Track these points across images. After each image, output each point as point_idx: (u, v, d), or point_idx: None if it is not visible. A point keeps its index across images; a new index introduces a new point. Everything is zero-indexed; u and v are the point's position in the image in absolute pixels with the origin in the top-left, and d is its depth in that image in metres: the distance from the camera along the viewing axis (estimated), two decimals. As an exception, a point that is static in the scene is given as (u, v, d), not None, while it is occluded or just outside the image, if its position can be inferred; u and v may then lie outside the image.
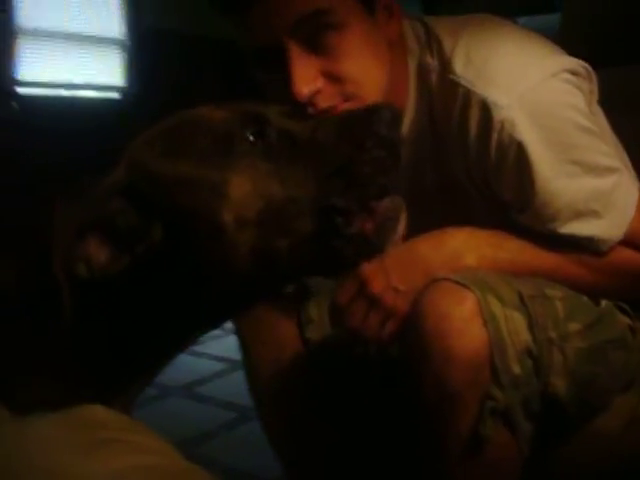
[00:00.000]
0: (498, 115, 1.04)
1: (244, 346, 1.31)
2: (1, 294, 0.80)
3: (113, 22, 3.84)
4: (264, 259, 0.79)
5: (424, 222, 1.10)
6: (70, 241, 0.75)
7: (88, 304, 0.77)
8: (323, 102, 1.03)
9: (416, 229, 1.10)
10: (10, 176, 3.02)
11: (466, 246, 1.08)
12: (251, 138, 0.80)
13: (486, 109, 1.05)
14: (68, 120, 3.38)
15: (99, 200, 0.78)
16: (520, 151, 1.04)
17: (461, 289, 0.98)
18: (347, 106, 1.04)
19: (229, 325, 1.32)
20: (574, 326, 1.04)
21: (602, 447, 1.09)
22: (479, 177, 1.11)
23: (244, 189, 0.78)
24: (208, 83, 3.78)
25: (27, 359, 0.77)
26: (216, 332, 2.15)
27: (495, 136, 1.05)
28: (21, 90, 3.49)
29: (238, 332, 1.31)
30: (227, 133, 0.80)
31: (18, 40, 3.47)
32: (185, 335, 0.86)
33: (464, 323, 0.96)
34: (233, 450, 1.90)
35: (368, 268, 1.08)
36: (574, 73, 1.08)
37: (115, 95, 3.84)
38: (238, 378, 1.52)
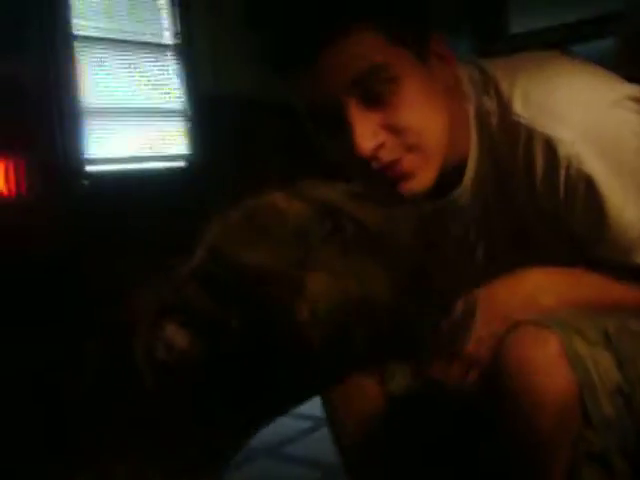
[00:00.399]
0: (564, 151, 1.03)
1: (328, 402, 1.31)
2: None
3: (173, 92, 3.96)
4: (338, 349, 0.78)
5: (496, 269, 1.09)
6: (150, 323, 0.76)
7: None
8: (387, 155, 1.03)
9: (489, 276, 1.09)
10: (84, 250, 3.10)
11: (543, 286, 1.06)
12: (328, 231, 0.79)
13: (551, 146, 1.04)
14: (136, 192, 3.47)
15: (178, 284, 0.79)
16: (589, 185, 1.03)
17: (543, 330, 0.97)
18: (410, 157, 1.04)
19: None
20: None
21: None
22: (549, 216, 1.10)
23: (320, 286, 0.77)
24: (269, 147, 3.84)
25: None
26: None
27: (562, 172, 1.04)
28: (90, 168, 3.60)
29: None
30: (305, 227, 0.79)
31: (84, 119, 3.59)
32: (260, 417, 0.85)
33: (549, 365, 0.94)
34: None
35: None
36: (635, 99, 1.07)
37: (180, 164, 3.94)
38: (323, 435, 1.52)
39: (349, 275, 0.77)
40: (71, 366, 0.85)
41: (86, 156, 3.59)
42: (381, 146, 1.03)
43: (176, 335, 0.76)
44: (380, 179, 1.09)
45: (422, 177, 1.07)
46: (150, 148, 3.85)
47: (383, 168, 1.05)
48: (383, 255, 0.79)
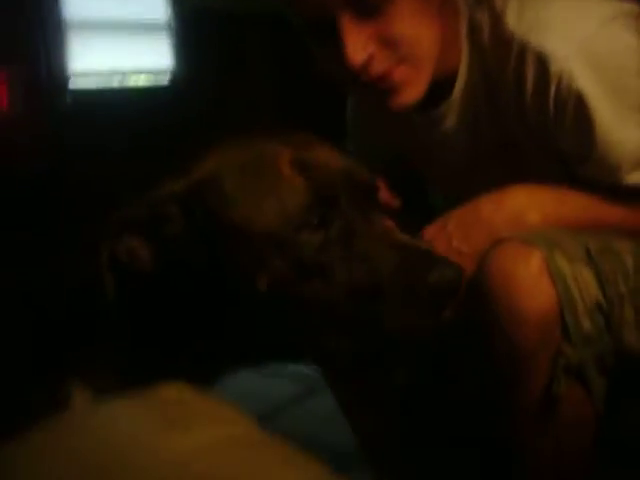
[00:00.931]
0: (556, 67, 1.02)
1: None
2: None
3: (157, 5, 3.86)
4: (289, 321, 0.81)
5: (484, 183, 1.09)
6: (118, 231, 0.80)
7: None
8: (377, 67, 1.02)
9: (476, 190, 1.09)
10: (67, 167, 3.07)
11: (528, 204, 1.06)
12: (314, 223, 0.80)
13: (543, 61, 1.03)
14: (120, 107, 3.42)
15: (154, 202, 0.82)
16: (580, 102, 1.02)
17: (526, 247, 0.97)
18: (401, 69, 1.03)
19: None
20: None
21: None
22: (538, 131, 1.09)
23: (285, 269, 0.79)
24: (256, 62, 3.77)
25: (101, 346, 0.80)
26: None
27: (553, 88, 1.03)
28: (73, 82, 3.54)
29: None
30: (295, 208, 0.80)
31: (67, 33, 3.51)
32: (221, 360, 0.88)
33: (531, 281, 0.95)
34: (304, 423, 1.92)
35: (430, 232, 1.07)
36: (631, 17, 1.05)
37: (164, 79, 3.87)
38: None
39: (316, 270, 0.80)
40: (53, 282, 0.87)
41: (70, 71, 3.52)
42: (372, 58, 1.01)
43: (141, 247, 0.81)
44: (371, 92, 1.08)
45: (412, 89, 1.06)
46: (134, 63, 3.78)
47: (374, 80, 1.04)
48: (355, 267, 0.81)
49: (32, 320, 0.85)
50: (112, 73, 3.72)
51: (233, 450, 0.57)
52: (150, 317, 0.83)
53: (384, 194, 1.21)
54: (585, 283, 0.97)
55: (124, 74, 3.75)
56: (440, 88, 1.13)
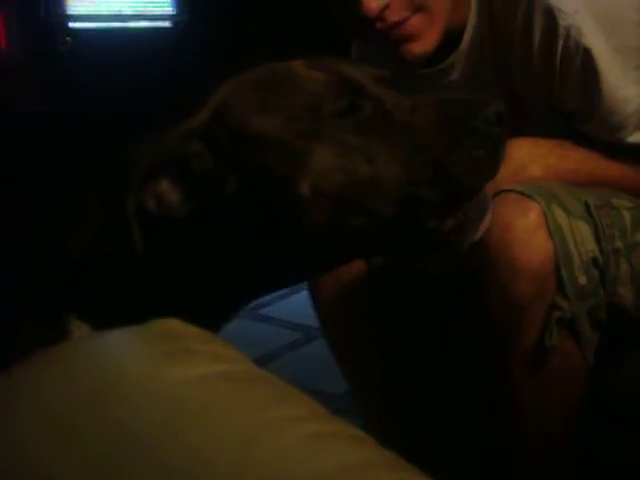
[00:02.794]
0: (564, 21, 1.01)
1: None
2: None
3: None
4: (336, 233, 0.76)
5: None
6: (144, 177, 0.73)
7: (155, 243, 0.76)
8: (393, 15, 1.01)
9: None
10: (69, 110, 3.05)
11: (530, 157, 1.06)
12: (344, 108, 0.75)
13: (551, 16, 1.02)
14: (120, 51, 3.39)
15: (178, 141, 0.76)
16: (587, 58, 1.02)
17: (525, 200, 0.98)
18: (417, 18, 1.02)
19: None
20: None
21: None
22: (543, 86, 1.09)
23: (327, 162, 0.74)
24: (257, 5, 3.72)
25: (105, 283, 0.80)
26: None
27: (561, 43, 1.02)
28: (73, 24, 3.50)
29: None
30: (320, 99, 0.75)
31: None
32: (250, 291, 0.84)
33: (529, 233, 0.96)
34: (298, 369, 1.94)
35: None
36: None
37: (166, 24, 3.83)
38: (302, 299, 1.54)
39: (360, 157, 0.74)
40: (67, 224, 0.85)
41: (69, 12, 3.48)
42: (387, 6, 1.00)
43: (170, 191, 0.75)
44: (384, 41, 1.07)
45: (425, 39, 1.05)
46: (135, 6, 3.73)
47: (388, 28, 1.03)
48: (401, 141, 0.75)
49: (33, 257, 0.85)
50: (113, 17, 3.67)
51: (227, 385, 0.57)
52: (173, 264, 0.78)
53: None
54: (582, 237, 0.98)
55: (124, 17, 3.71)
56: (448, 41, 1.12)
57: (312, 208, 0.74)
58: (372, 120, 0.76)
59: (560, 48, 1.03)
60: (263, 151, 0.76)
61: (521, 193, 0.98)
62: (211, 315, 0.79)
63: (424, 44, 1.06)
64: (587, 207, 1.00)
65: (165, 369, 0.58)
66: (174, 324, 0.66)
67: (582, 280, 0.97)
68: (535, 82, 1.09)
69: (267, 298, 2.51)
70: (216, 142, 0.77)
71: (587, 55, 1.01)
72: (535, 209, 0.97)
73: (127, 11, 3.72)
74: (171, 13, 3.82)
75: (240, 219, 0.77)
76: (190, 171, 0.75)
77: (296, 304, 2.33)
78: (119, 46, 3.48)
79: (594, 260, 0.98)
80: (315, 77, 0.77)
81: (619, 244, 1.00)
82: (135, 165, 0.74)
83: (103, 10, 3.62)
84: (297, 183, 0.74)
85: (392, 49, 1.07)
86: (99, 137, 2.97)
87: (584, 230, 0.98)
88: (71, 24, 3.49)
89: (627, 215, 1.03)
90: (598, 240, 0.99)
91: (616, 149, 1.07)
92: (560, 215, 0.97)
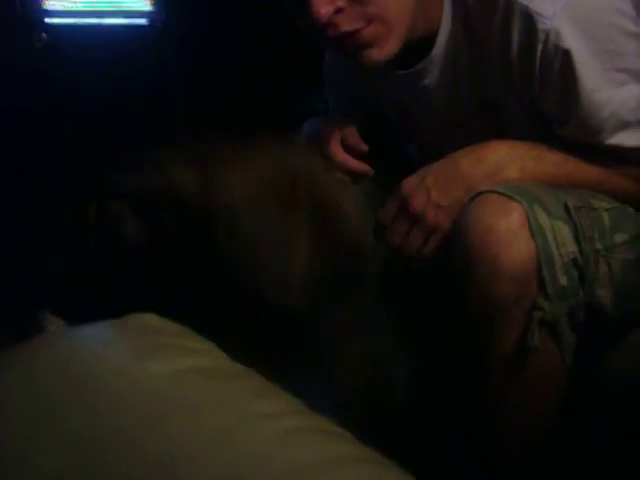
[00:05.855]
0: (543, 25, 1.01)
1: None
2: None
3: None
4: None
5: (464, 143, 1.08)
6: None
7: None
8: (345, 24, 1.00)
9: (455, 146, 1.09)
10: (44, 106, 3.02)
11: (508, 158, 1.06)
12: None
13: (529, 20, 1.02)
14: (96, 48, 3.37)
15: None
16: (566, 61, 1.02)
17: (507, 200, 0.97)
18: (372, 28, 1.01)
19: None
20: (620, 237, 1.03)
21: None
22: (522, 91, 1.09)
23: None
24: (235, 7, 3.71)
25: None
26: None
27: (540, 47, 1.02)
28: (49, 20, 3.47)
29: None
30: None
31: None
32: None
33: (511, 235, 0.95)
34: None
35: (408, 185, 1.07)
36: None
37: (143, 21, 3.81)
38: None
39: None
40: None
41: (45, 7, 3.45)
42: (340, 11, 0.99)
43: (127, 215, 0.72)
44: (339, 48, 1.06)
45: (382, 47, 1.04)
46: (112, 3, 3.71)
47: (341, 37, 1.02)
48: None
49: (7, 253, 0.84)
50: (89, 13, 3.65)
51: (205, 379, 0.57)
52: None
53: (352, 139, 1.21)
54: (563, 238, 0.97)
55: (101, 14, 3.68)
56: (423, 44, 1.12)
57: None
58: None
59: (539, 52, 1.03)
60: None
61: (502, 194, 0.98)
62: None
63: (381, 52, 1.05)
64: (566, 208, 1.00)
65: (143, 363, 0.57)
66: (151, 319, 0.65)
67: (563, 281, 0.96)
68: (513, 87, 1.09)
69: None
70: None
71: (566, 58, 1.02)
72: (517, 210, 0.97)
73: (104, 7, 3.70)
74: (148, 10, 3.80)
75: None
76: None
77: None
78: (95, 42, 3.46)
79: (574, 261, 0.98)
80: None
81: (598, 245, 1.00)
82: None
83: (79, 6, 3.60)
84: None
85: (347, 56, 1.07)
86: (73, 134, 2.94)
87: (564, 231, 0.98)
88: (47, 20, 3.46)
89: (606, 216, 1.03)
90: (578, 241, 0.98)
91: (594, 152, 1.07)
92: (542, 216, 0.97)
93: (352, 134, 1.21)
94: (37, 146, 2.82)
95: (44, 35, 3.41)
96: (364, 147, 1.21)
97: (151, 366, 0.57)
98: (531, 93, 1.08)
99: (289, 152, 0.78)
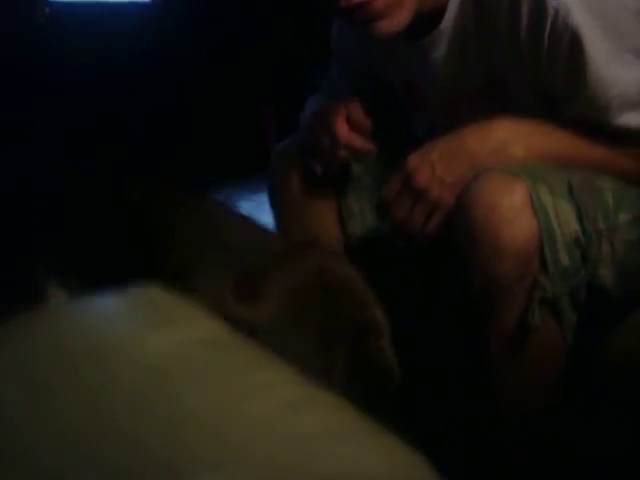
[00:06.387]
0: (552, 1, 1.00)
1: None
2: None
3: None
4: None
5: (470, 120, 1.08)
6: None
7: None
8: None
9: (461, 122, 1.09)
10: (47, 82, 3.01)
11: (513, 136, 1.06)
12: None
13: None
14: (98, 23, 3.35)
15: None
16: (574, 38, 1.01)
17: (512, 179, 0.97)
18: (382, 1, 1.01)
19: (268, 225, 1.32)
20: (623, 217, 1.02)
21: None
22: (529, 67, 1.08)
23: None
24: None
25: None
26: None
27: (549, 23, 1.01)
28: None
29: (278, 227, 1.32)
30: None
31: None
32: None
33: (514, 213, 0.95)
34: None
35: (413, 161, 1.07)
36: None
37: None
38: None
39: None
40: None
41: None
42: None
43: None
44: (351, 20, 1.06)
45: (393, 19, 1.04)
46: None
47: (353, 8, 1.01)
48: None
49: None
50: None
51: (205, 351, 0.57)
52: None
53: (357, 116, 1.20)
54: (565, 217, 0.97)
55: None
56: (432, 17, 1.11)
57: None
58: None
59: (548, 28, 1.02)
60: None
61: (506, 172, 0.98)
62: None
63: (392, 23, 1.04)
64: (570, 187, 1.00)
65: (144, 335, 0.57)
66: (153, 291, 0.65)
67: (565, 260, 0.96)
68: (521, 63, 1.09)
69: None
70: None
71: (575, 35, 1.01)
72: (521, 188, 0.96)
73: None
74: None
75: None
76: None
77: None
78: (98, 17, 3.45)
79: (577, 240, 0.97)
80: None
81: (601, 225, 1.00)
82: None
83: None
84: None
85: (358, 27, 1.06)
86: (75, 109, 2.93)
87: (567, 210, 0.98)
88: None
89: (610, 196, 1.02)
90: (581, 221, 0.98)
91: (600, 132, 1.06)
92: (545, 195, 0.97)
93: (357, 111, 1.20)
94: (40, 118, 2.82)
95: (47, 10, 3.39)
96: (368, 124, 1.20)
97: (152, 339, 0.57)
98: (538, 70, 1.07)
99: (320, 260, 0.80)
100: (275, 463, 0.48)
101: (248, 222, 0.89)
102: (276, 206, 1.33)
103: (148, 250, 0.78)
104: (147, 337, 0.56)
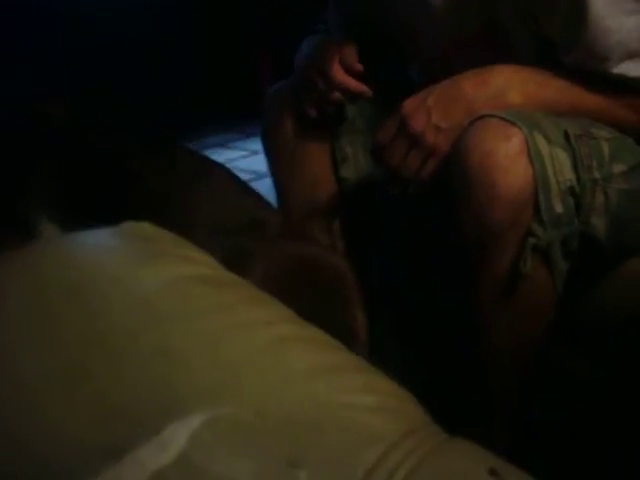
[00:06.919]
0: None
1: (277, 185, 1.31)
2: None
3: None
4: None
5: (467, 67, 1.07)
6: None
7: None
8: None
9: (459, 68, 1.07)
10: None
11: (511, 83, 1.04)
12: None
13: None
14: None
15: None
16: None
17: (508, 125, 0.96)
18: None
19: (263, 169, 1.31)
20: (618, 167, 1.02)
21: (633, 289, 1.09)
22: (529, 13, 1.06)
23: None
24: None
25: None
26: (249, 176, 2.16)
27: None
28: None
29: (271, 171, 1.31)
30: None
31: None
32: None
33: (509, 160, 0.95)
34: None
35: (409, 105, 1.06)
36: None
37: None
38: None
39: None
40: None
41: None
42: None
43: None
44: None
45: None
46: None
47: None
48: None
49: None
50: None
51: (199, 287, 0.57)
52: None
53: (351, 58, 1.19)
54: (560, 165, 0.97)
55: None
56: None
57: None
58: None
59: None
60: None
61: (503, 119, 0.97)
62: None
63: None
64: (566, 136, 0.99)
65: (139, 269, 0.57)
66: (147, 227, 0.65)
67: (559, 208, 0.96)
68: (521, 8, 1.07)
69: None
70: None
71: None
72: (517, 135, 0.95)
73: None
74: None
75: None
76: None
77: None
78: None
79: (571, 189, 0.97)
80: None
81: (596, 174, 0.99)
82: None
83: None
84: None
85: None
86: (60, 50, 2.89)
87: (563, 158, 0.97)
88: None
89: (605, 146, 1.02)
90: (576, 169, 0.98)
91: (598, 81, 1.05)
92: (541, 142, 0.96)
93: (351, 54, 1.19)
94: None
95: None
96: (359, 67, 1.19)
97: (147, 273, 0.57)
98: (538, 16, 1.05)
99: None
100: (263, 398, 0.48)
101: (246, 194, 0.89)
102: (269, 150, 1.32)
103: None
104: (143, 272, 0.56)
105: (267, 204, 1.10)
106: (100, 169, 0.82)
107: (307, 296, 0.77)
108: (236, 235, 0.86)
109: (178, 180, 0.89)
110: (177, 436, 0.45)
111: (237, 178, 1.14)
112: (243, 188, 1.12)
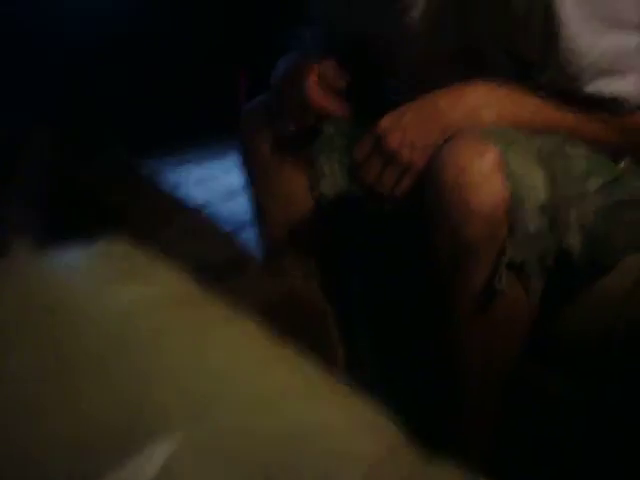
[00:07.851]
0: None
1: (254, 202, 1.31)
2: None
3: None
4: None
5: (444, 85, 1.08)
6: None
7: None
8: None
9: (434, 86, 1.08)
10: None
11: (486, 101, 1.05)
12: None
13: None
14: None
15: None
16: (548, 7, 1.00)
17: (482, 142, 0.97)
18: None
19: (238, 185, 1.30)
20: (593, 184, 1.03)
21: (608, 307, 1.10)
22: (504, 35, 1.07)
23: None
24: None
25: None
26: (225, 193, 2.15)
27: None
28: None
29: (248, 188, 1.31)
30: None
31: None
32: None
33: (484, 177, 0.95)
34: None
35: (385, 123, 1.06)
36: None
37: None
38: (247, 238, 1.52)
39: None
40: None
41: None
42: None
43: None
44: None
45: None
46: None
47: None
48: None
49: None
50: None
51: (174, 307, 0.56)
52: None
53: (330, 74, 1.19)
54: (535, 183, 0.97)
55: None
56: None
57: None
58: None
59: None
60: None
61: (477, 136, 0.98)
62: None
63: None
64: (541, 153, 1.00)
65: (111, 289, 0.56)
66: (121, 244, 0.64)
67: (533, 226, 0.97)
68: (497, 30, 1.08)
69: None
70: None
71: (549, 4, 1.00)
72: (492, 152, 0.96)
73: None
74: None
75: None
76: None
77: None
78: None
79: (545, 206, 0.98)
80: None
81: (571, 192, 1.00)
82: None
83: None
84: None
85: None
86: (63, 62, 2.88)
87: (537, 176, 0.98)
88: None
89: (580, 163, 1.03)
90: (550, 186, 0.99)
91: (572, 98, 1.07)
92: (515, 160, 0.97)
93: (330, 69, 1.19)
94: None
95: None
96: (341, 83, 1.19)
97: (121, 292, 0.56)
98: (513, 37, 1.07)
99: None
100: (239, 420, 0.48)
101: (220, 233, 0.90)
102: (246, 166, 1.32)
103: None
104: (114, 291, 0.56)
105: (240, 242, 1.11)
106: (77, 201, 0.82)
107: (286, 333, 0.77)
108: (216, 272, 0.86)
109: (159, 215, 0.88)
110: (154, 457, 0.44)
111: (211, 218, 1.14)
112: (217, 227, 1.12)
